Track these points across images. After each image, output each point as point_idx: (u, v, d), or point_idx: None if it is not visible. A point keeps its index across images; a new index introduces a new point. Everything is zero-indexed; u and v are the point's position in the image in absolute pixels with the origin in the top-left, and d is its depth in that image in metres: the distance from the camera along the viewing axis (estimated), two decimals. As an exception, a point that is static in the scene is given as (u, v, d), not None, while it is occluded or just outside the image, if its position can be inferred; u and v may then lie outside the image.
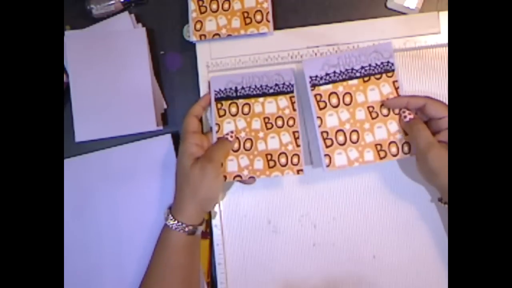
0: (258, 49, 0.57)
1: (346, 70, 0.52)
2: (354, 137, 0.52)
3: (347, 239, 0.56)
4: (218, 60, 0.57)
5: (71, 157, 0.59)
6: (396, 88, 0.52)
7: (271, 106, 0.54)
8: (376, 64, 0.52)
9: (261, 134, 0.54)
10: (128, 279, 0.56)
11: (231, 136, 0.54)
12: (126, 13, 0.59)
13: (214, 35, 0.56)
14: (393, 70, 0.52)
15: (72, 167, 0.58)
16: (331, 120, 0.52)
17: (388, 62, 0.52)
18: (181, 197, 0.51)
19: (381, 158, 0.52)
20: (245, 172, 0.54)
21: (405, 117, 0.51)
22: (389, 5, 0.57)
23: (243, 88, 0.55)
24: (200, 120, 0.55)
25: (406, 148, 0.52)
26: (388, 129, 0.52)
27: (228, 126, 0.54)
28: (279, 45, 0.56)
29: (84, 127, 0.58)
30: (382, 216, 0.55)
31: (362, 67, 0.52)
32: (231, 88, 0.55)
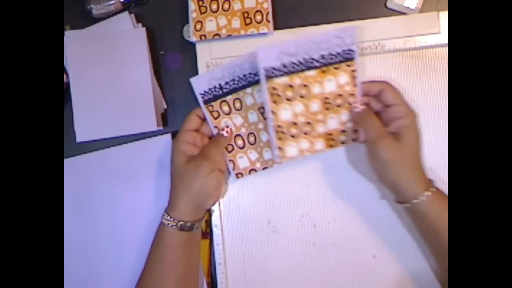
0: (258, 49, 0.57)
1: (305, 59, 0.50)
2: (307, 128, 0.52)
3: (347, 239, 0.56)
4: (218, 60, 0.57)
5: (71, 157, 0.59)
6: (354, 78, 0.51)
7: (261, 95, 0.53)
8: (337, 53, 0.50)
9: (260, 126, 0.54)
10: (128, 278, 0.56)
11: (227, 132, 0.54)
12: (126, 13, 0.59)
13: (214, 36, 0.56)
14: (353, 59, 0.51)
15: (72, 167, 0.58)
16: (285, 113, 0.51)
17: (349, 49, 0.50)
18: (174, 194, 0.51)
19: (330, 146, 0.53)
20: (258, 165, 0.54)
21: (355, 107, 0.51)
22: (389, 5, 0.57)
23: (227, 83, 0.53)
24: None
25: (354, 135, 0.52)
26: (340, 118, 0.52)
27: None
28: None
29: (84, 127, 0.58)
30: (382, 216, 0.55)
31: (322, 56, 0.50)
32: (215, 87, 0.54)
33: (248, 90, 0.54)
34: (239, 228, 0.57)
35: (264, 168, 0.55)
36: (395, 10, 0.57)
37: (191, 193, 0.50)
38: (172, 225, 0.50)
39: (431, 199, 0.47)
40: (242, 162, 0.54)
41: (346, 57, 0.51)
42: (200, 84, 0.54)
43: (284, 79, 0.50)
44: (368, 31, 0.55)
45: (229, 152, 0.55)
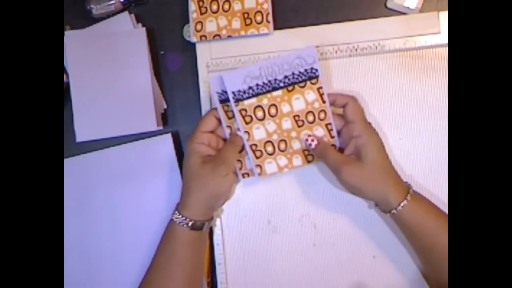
0: (258, 49, 0.57)
1: (269, 81, 0.52)
2: (282, 146, 0.53)
3: (347, 239, 0.56)
4: (218, 60, 0.57)
5: (71, 157, 0.59)
6: (321, 95, 0.52)
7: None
8: (300, 72, 0.52)
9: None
10: (128, 278, 0.56)
11: (245, 133, 0.53)
12: (126, 13, 0.59)
13: (214, 36, 0.56)
14: (317, 77, 0.52)
15: (72, 167, 0.58)
16: (259, 132, 0.53)
17: (311, 68, 0.51)
18: (188, 193, 0.51)
19: (308, 162, 0.54)
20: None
21: (310, 145, 0.52)
22: (389, 5, 0.57)
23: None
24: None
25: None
26: (314, 135, 0.53)
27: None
28: (279, 45, 0.56)
29: (84, 127, 0.58)
30: (382, 216, 0.55)
31: (286, 77, 0.52)
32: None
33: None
34: (239, 228, 0.57)
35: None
36: (395, 10, 0.57)
37: (205, 194, 0.51)
38: (183, 224, 0.50)
39: (408, 206, 0.48)
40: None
41: (310, 76, 0.52)
42: (217, 84, 0.52)
43: (252, 101, 0.52)
44: (368, 31, 0.55)
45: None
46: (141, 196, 0.58)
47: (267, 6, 0.56)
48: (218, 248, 0.57)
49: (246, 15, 0.56)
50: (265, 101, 0.52)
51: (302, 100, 0.52)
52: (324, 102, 0.52)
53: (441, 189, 0.54)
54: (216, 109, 0.53)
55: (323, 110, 0.52)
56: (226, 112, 0.53)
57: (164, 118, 0.60)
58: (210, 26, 0.57)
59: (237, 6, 0.56)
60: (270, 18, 0.56)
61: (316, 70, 0.51)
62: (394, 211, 0.48)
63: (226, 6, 0.56)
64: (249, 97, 0.52)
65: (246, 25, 0.56)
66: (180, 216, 0.50)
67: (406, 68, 0.56)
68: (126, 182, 0.58)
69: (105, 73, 0.58)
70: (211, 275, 0.57)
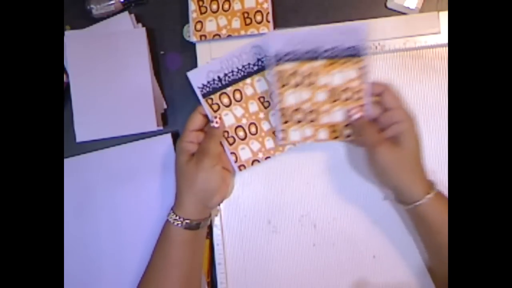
0: (258, 49, 0.57)
1: (314, 49, 0.51)
2: (312, 116, 0.52)
3: (347, 239, 0.56)
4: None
5: (71, 157, 0.59)
6: (363, 75, 0.51)
7: (261, 84, 0.54)
8: (346, 47, 0.51)
9: (261, 115, 0.54)
10: (128, 278, 0.56)
11: (216, 122, 0.53)
12: (126, 13, 0.59)
13: (214, 36, 0.56)
14: (362, 55, 0.51)
15: (72, 167, 0.58)
16: (291, 98, 0.52)
17: (359, 46, 0.50)
18: (179, 192, 0.51)
19: (334, 138, 0.53)
20: (260, 155, 0.55)
21: (353, 114, 0.51)
22: (389, 5, 0.57)
23: (225, 75, 0.54)
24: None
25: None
26: (361, 107, 0.51)
27: (226, 118, 0.54)
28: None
29: (84, 127, 0.58)
30: (382, 216, 0.55)
31: (332, 48, 0.51)
32: (214, 80, 0.54)
33: (248, 80, 0.54)
34: (239, 228, 0.57)
35: (267, 158, 0.55)
36: (395, 10, 0.57)
37: (194, 190, 0.50)
38: (177, 224, 0.50)
39: (432, 201, 0.47)
40: (244, 153, 0.55)
41: (355, 53, 0.51)
42: (198, 78, 0.54)
43: (292, 65, 0.51)
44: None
45: (231, 144, 0.55)
46: (141, 196, 0.58)
47: (267, 6, 0.56)
48: (218, 248, 0.57)
49: (246, 15, 0.56)
50: (304, 68, 0.51)
51: (341, 75, 0.51)
52: (363, 82, 0.51)
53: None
54: (201, 105, 0.54)
55: (360, 91, 0.51)
56: (211, 105, 0.54)
57: (164, 118, 0.60)
58: (210, 25, 0.56)
59: (237, 6, 0.56)
60: (270, 17, 0.56)
61: (363, 48, 0.50)
62: (417, 203, 0.47)
63: (226, 6, 0.56)
64: (289, 61, 0.51)
65: (246, 24, 0.56)
66: (175, 216, 0.50)
67: (406, 68, 0.56)
68: (126, 182, 0.58)
69: (105, 73, 0.58)
70: (211, 275, 0.57)
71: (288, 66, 0.51)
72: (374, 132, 0.49)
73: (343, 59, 0.51)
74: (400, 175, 0.48)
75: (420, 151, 0.50)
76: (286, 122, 0.52)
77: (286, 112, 0.52)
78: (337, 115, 0.52)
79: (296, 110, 0.52)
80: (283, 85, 0.52)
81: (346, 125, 0.52)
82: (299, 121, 0.52)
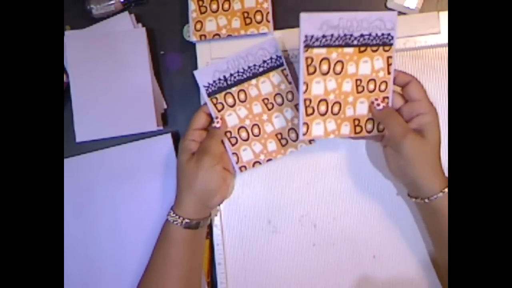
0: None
1: (345, 35, 0.49)
2: (336, 109, 0.50)
3: (347, 239, 0.56)
4: (218, 59, 0.57)
5: (71, 157, 0.59)
6: (389, 65, 0.50)
7: (265, 85, 0.54)
8: (376, 35, 0.49)
9: (265, 117, 0.54)
10: (128, 278, 0.56)
11: (217, 122, 0.53)
12: (126, 13, 0.59)
13: (214, 35, 0.56)
14: (391, 44, 0.50)
15: (72, 167, 0.58)
16: (317, 87, 0.49)
17: (389, 34, 0.49)
18: (179, 191, 0.51)
19: (356, 133, 0.51)
20: (262, 157, 0.55)
21: (378, 105, 0.50)
22: (389, 5, 0.57)
23: (231, 75, 0.54)
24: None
25: (381, 126, 0.51)
26: (385, 97, 0.50)
27: (230, 118, 0.54)
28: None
29: (84, 127, 0.58)
30: (382, 216, 0.55)
31: (362, 35, 0.49)
32: (219, 79, 0.54)
33: (253, 81, 0.54)
34: (239, 228, 0.57)
35: (268, 160, 0.55)
36: (395, 10, 0.57)
37: (194, 190, 0.50)
38: (177, 223, 0.50)
39: (447, 196, 0.47)
40: (246, 154, 0.55)
41: (384, 42, 0.49)
42: (204, 77, 0.54)
43: (322, 51, 0.49)
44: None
45: (233, 145, 0.55)
46: (141, 196, 0.58)
47: (267, 6, 0.56)
48: (218, 248, 0.57)
49: (246, 15, 0.56)
50: (334, 54, 0.49)
51: (369, 64, 0.50)
52: (389, 73, 0.50)
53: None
54: (206, 104, 0.54)
55: (385, 81, 0.50)
56: (215, 104, 0.54)
57: (164, 118, 0.60)
58: (210, 25, 0.56)
59: (236, 6, 0.56)
60: (270, 17, 0.56)
61: (392, 37, 0.49)
62: (435, 196, 0.47)
63: (226, 6, 0.56)
64: (320, 46, 0.49)
65: (246, 24, 0.56)
66: (174, 215, 0.50)
67: (406, 68, 0.56)
68: (126, 182, 0.58)
69: (105, 73, 0.58)
70: (211, 275, 0.57)
71: (317, 52, 0.49)
72: (402, 122, 0.48)
73: (372, 46, 0.49)
74: (421, 167, 0.47)
75: (440, 145, 0.49)
76: (309, 114, 0.50)
77: (311, 102, 0.50)
78: (361, 108, 0.50)
79: (321, 101, 0.50)
80: (311, 73, 0.49)
81: (368, 120, 0.51)
82: (322, 114, 0.50)
